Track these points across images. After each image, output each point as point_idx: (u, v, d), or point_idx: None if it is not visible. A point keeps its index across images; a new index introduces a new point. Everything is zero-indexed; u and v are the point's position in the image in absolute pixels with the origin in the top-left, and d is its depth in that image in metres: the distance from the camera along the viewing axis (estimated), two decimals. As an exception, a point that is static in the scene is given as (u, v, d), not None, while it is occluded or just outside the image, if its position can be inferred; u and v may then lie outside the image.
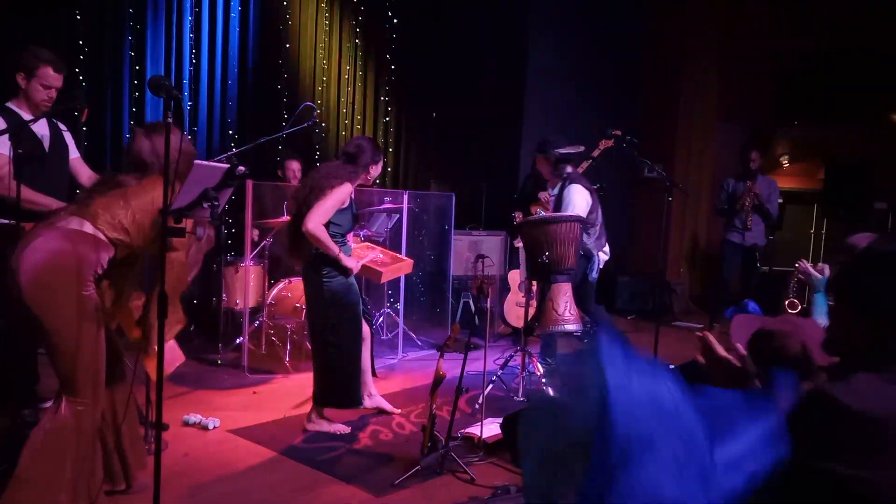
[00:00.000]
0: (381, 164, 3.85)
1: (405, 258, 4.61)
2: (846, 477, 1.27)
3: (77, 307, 2.52)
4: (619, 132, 5.05)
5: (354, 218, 3.87)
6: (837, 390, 1.31)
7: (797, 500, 1.32)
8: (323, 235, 3.57)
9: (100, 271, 2.60)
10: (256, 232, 5.33)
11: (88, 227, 2.56)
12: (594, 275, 4.85)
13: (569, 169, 4.70)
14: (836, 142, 8.63)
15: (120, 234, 2.60)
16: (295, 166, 5.74)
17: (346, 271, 3.72)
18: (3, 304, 3.32)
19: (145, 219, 2.64)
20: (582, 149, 4.86)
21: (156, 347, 2.48)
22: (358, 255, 4.53)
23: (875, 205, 8.00)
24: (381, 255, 4.65)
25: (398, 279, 5.84)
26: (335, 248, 3.62)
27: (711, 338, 1.62)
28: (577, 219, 4.39)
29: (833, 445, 1.29)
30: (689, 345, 6.61)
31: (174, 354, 3.00)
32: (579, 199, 4.58)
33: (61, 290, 2.50)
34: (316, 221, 3.53)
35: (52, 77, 3.49)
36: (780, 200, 6.89)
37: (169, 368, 2.89)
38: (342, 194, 3.60)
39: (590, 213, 4.64)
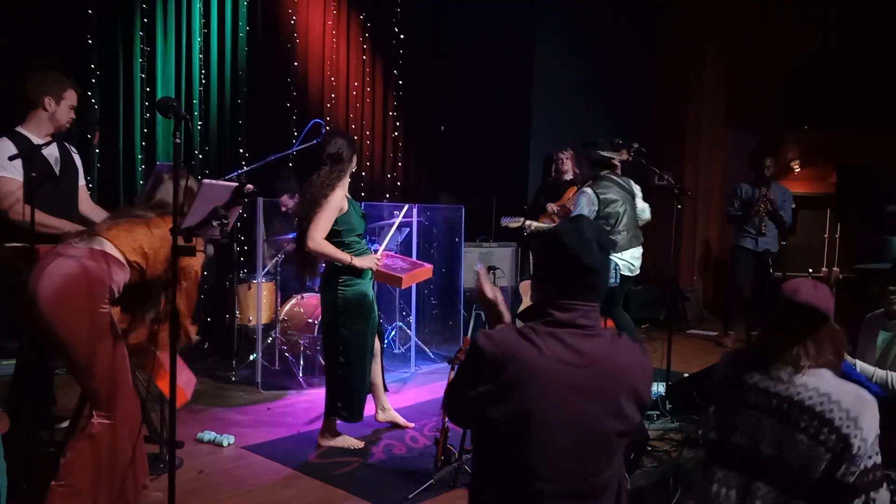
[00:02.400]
0: (356, 156, 3.85)
1: (425, 264, 4.62)
2: (474, 399, 1.64)
3: (94, 324, 2.58)
4: (635, 145, 5.09)
5: (363, 216, 3.88)
6: (481, 337, 1.67)
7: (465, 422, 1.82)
8: (326, 249, 3.59)
9: (116, 292, 2.65)
10: (281, 257, 5.31)
11: (109, 248, 2.63)
12: (612, 280, 4.87)
13: (603, 172, 4.88)
14: (847, 145, 8.58)
15: (139, 257, 2.68)
16: (284, 199, 5.66)
17: (364, 274, 3.74)
18: (20, 327, 3.37)
19: (162, 248, 2.70)
20: (624, 156, 4.96)
21: (164, 365, 2.52)
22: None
23: (888, 208, 7.93)
24: (401, 263, 4.66)
25: (410, 293, 5.86)
26: (345, 256, 3.64)
27: (483, 273, 2.02)
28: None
29: (471, 376, 1.67)
30: (704, 352, 6.57)
31: (187, 380, 3.05)
32: (583, 202, 4.82)
33: (80, 307, 2.56)
34: (315, 238, 3.55)
35: (75, 97, 3.60)
36: (793, 206, 6.85)
37: (181, 398, 2.95)
38: (335, 202, 3.61)
39: (603, 209, 4.77)
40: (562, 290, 1.71)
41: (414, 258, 5.58)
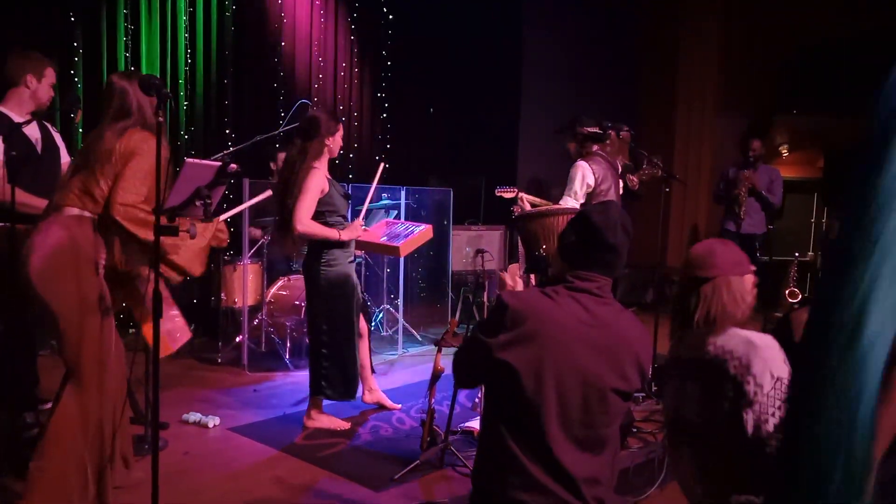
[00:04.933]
0: (340, 135, 3.77)
1: (422, 225, 4.51)
2: (492, 345, 1.82)
3: (84, 293, 2.58)
4: (625, 128, 5.03)
5: (346, 196, 3.85)
6: (506, 294, 1.88)
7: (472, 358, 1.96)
8: (314, 229, 3.59)
9: (104, 254, 2.64)
10: (259, 231, 5.32)
11: (80, 212, 2.61)
12: None
13: (594, 148, 4.73)
14: (835, 130, 8.60)
15: (101, 207, 2.62)
16: (281, 156, 5.60)
17: (346, 254, 3.73)
18: (3, 306, 3.34)
19: (108, 181, 2.62)
20: (608, 126, 4.83)
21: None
22: (372, 234, 4.53)
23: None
24: (400, 229, 4.57)
25: (398, 275, 5.85)
26: (333, 232, 3.64)
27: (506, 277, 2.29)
28: (573, 212, 4.38)
29: (493, 326, 1.85)
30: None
31: (173, 329, 3.03)
32: (578, 176, 4.59)
33: (68, 275, 2.56)
34: (303, 221, 3.55)
35: (54, 75, 3.60)
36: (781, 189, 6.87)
37: (174, 344, 2.94)
38: (315, 183, 3.59)
39: (597, 187, 4.67)
40: (583, 263, 1.91)
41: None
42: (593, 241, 1.90)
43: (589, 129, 4.66)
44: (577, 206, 4.56)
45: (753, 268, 2.05)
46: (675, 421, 2.02)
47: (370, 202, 4.12)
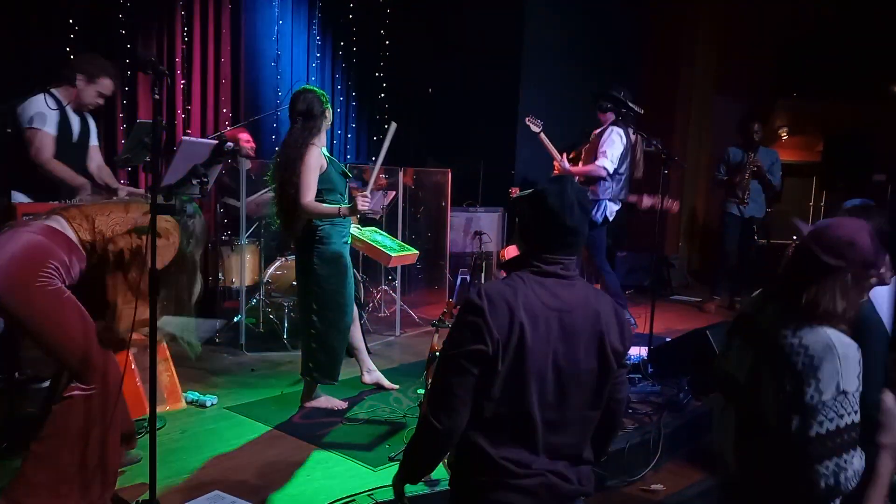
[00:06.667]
0: (330, 110, 3.76)
1: (412, 250, 4.79)
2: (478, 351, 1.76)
3: (48, 299, 2.43)
4: (611, 103, 5.15)
5: (344, 175, 3.82)
6: (473, 293, 1.82)
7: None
8: (318, 209, 3.57)
9: (66, 275, 2.49)
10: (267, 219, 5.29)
11: (62, 225, 2.52)
12: (598, 217, 5.35)
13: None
14: (835, 114, 8.58)
15: (94, 237, 2.55)
16: None
17: (341, 237, 3.72)
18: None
19: (123, 231, 2.59)
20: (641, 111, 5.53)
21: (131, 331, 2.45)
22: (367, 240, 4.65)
23: (874, 177, 7.98)
24: (390, 243, 4.79)
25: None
26: (332, 209, 3.61)
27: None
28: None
29: (471, 337, 1.76)
30: (687, 318, 6.60)
31: None
32: (615, 138, 5.30)
33: (29, 285, 2.40)
34: (307, 198, 3.53)
35: (109, 88, 3.83)
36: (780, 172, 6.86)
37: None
38: (313, 161, 3.56)
39: (621, 162, 5.30)
40: (545, 247, 1.86)
41: (399, 224, 5.61)
42: (552, 225, 1.83)
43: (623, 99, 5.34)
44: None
45: (882, 274, 2.01)
46: (730, 381, 2.05)
47: (381, 162, 4.06)
